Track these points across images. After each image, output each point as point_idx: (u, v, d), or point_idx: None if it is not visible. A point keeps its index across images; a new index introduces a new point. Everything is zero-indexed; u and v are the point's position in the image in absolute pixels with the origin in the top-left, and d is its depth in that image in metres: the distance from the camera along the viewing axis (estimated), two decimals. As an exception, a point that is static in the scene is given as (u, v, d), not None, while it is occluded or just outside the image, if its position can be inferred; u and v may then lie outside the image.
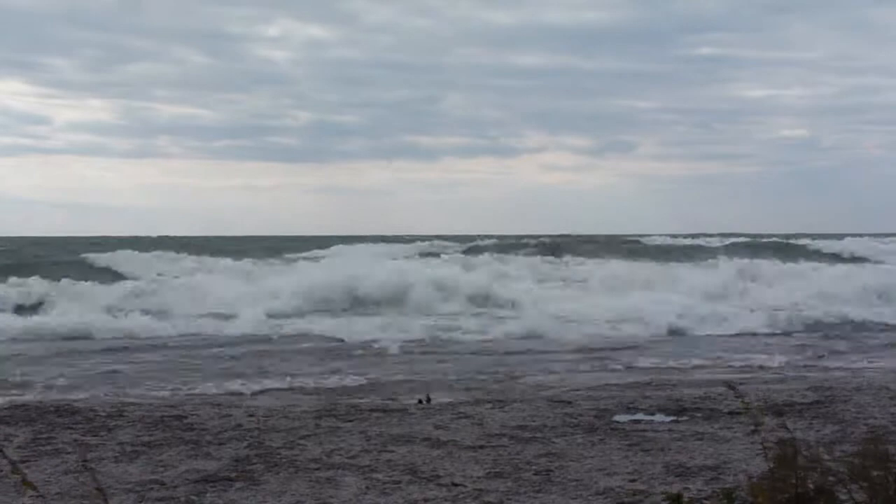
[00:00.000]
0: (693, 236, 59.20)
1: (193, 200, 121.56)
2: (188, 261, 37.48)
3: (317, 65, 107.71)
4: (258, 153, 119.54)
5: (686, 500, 3.83)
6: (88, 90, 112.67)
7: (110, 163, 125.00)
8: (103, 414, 9.50)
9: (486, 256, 38.42)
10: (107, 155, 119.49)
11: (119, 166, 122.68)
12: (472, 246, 48.23)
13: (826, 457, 3.55)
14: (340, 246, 48.17)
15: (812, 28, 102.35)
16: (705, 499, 6.04)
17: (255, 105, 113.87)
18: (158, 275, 31.41)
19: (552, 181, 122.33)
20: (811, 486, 3.51)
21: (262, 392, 12.08)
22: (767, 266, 32.91)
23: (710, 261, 34.92)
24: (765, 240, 52.50)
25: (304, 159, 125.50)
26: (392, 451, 7.71)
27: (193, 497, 6.43)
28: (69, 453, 7.75)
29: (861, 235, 55.57)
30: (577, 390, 11.48)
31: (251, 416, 9.36)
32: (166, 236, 64.97)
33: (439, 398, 10.86)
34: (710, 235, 58.80)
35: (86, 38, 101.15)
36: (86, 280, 28.13)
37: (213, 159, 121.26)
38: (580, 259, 39.82)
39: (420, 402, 10.53)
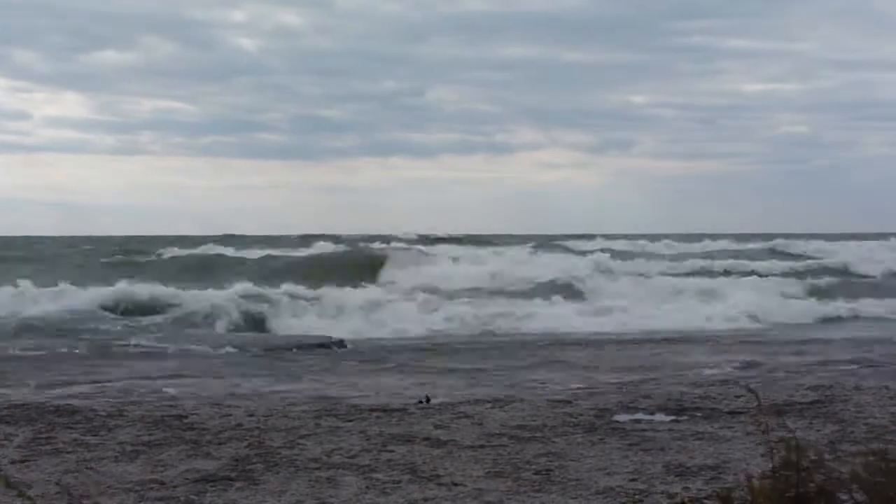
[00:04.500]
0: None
1: (191, 200, 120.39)
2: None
3: (292, 54, 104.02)
4: (247, 150, 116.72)
5: None
6: (61, 83, 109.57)
7: (97, 160, 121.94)
8: (103, 414, 9.50)
9: None
10: (92, 152, 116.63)
11: (106, 164, 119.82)
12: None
13: (827, 456, 3.55)
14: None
15: (810, 15, 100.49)
16: (705, 499, 6.03)
17: (236, 98, 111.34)
18: None
19: (551, 179, 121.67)
20: (812, 485, 3.50)
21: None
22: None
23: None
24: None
25: (296, 157, 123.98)
26: (392, 451, 7.72)
27: (193, 497, 6.43)
28: (69, 453, 7.76)
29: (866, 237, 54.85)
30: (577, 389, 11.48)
31: (251, 415, 9.36)
32: (184, 236, 63.56)
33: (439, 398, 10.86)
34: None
35: (45, 24, 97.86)
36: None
37: (201, 157, 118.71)
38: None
39: (420, 402, 10.52)
